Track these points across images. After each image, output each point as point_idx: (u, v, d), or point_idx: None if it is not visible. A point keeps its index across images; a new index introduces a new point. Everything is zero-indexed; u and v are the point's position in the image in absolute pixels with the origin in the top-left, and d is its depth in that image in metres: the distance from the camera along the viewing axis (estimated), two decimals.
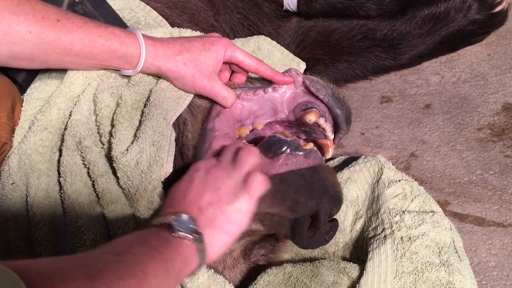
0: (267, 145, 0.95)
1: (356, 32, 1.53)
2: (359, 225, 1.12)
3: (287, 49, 1.29)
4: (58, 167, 0.94)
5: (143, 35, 0.95)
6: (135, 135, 0.91)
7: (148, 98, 0.96)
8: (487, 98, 1.44)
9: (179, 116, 0.97)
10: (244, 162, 0.84)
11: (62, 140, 0.96)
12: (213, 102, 1.01)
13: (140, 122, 0.92)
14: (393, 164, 1.18)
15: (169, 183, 0.87)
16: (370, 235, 1.07)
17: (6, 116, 0.98)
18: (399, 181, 1.13)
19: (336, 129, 1.02)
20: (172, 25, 1.22)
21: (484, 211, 1.22)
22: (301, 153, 0.94)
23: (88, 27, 0.90)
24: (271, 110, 1.05)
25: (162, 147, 0.88)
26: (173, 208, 0.79)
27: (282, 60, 1.24)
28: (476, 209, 1.23)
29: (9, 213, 0.93)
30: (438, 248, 1.02)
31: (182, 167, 0.95)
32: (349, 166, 1.20)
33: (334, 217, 0.96)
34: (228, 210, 0.79)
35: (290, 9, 1.55)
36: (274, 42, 1.26)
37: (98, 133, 0.94)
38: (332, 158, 1.32)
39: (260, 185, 0.82)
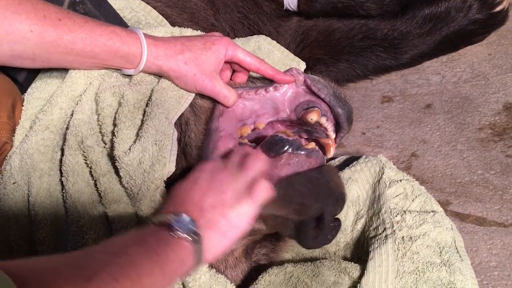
0: (269, 145, 0.95)
1: (356, 31, 1.53)
2: (360, 225, 1.12)
3: (287, 48, 1.29)
4: (60, 166, 0.94)
5: (144, 34, 0.95)
6: (137, 134, 0.91)
7: (150, 97, 0.96)
8: (488, 98, 1.44)
9: (181, 116, 0.97)
10: (250, 168, 0.83)
11: (64, 140, 0.95)
12: (215, 101, 1.01)
13: (142, 122, 0.92)
14: (394, 164, 1.19)
15: (172, 183, 0.87)
16: (371, 235, 1.07)
17: (6, 115, 0.98)
18: (400, 181, 1.13)
19: (337, 128, 1.02)
20: (172, 24, 1.22)
21: (485, 211, 1.22)
22: (303, 152, 0.94)
23: (90, 26, 0.90)
24: (273, 110, 1.05)
25: (165, 147, 0.88)
26: (174, 207, 0.78)
27: (282, 60, 1.24)
28: (477, 209, 1.23)
29: (10, 212, 0.93)
30: (439, 248, 1.02)
31: (185, 167, 0.95)
32: (350, 165, 1.20)
33: (337, 217, 0.95)
34: (230, 214, 0.79)
35: (290, 9, 1.55)
36: (275, 42, 1.26)
37: (100, 132, 0.94)
38: (333, 158, 1.32)
39: (265, 192, 0.82)
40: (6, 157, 0.97)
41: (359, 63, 1.54)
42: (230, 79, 1.08)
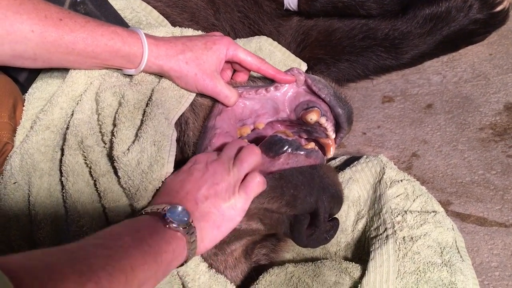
0: (269, 145, 0.95)
1: (357, 31, 1.53)
2: (361, 225, 1.12)
3: (288, 48, 1.29)
4: (60, 166, 0.94)
5: (145, 34, 0.95)
6: (136, 135, 0.91)
7: (150, 97, 0.95)
8: (489, 98, 1.44)
9: (181, 115, 0.97)
10: (245, 161, 0.84)
11: (64, 140, 0.95)
12: (215, 100, 1.01)
13: (142, 122, 0.92)
14: (395, 164, 1.19)
15: None
16: (372, 235, 1.07)
17: (7, 115, 0.98)
18: (401, 181, 1.13)
19: (337, 128, 1.02)
20: (173, 24, 1.22)
21: (486, 211, 1.22)
22: (302, 152, 0.94)
23: (91, 26, 0.90)
24: (273, 109, 1.05)
25: (163, 147, 0.88)
26: (169, 197, 0.79)
27: (284, 61, 1.24)
28: (478, 209, 1.23)
29: (11, 212, 0.93)
30: (440, 248, 1.02)
31: (183, 165, 0.95)
32: (351, 165, 1.20)
33: (335, 216, 0.95)
34: (223, 206, 0.80)
35: (290, 8, 1.55)
36: (276, 43, 1.26)
37: (100, 132, 0.94)
38: (333, 158, 1.32)
39: (258, 186, 0.84)
40: (7, 157, 0.97)
41: (360, 63, 1.54)
42: (231, 79, 1.08)
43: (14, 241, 0.93)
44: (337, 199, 0.92)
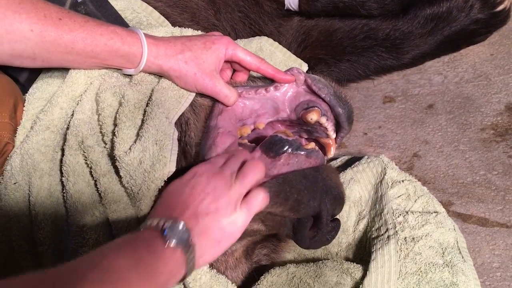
0: (269, 145, 0.95)
1: (358, 31, 1.53)
2: (362, 225, 1.11)
3: (288, 48, 1.29)
4: (61, 166, 0.94)
5: (144, 34, 0.95)
6: (137, 134, 0.91)
7: (150, 97, 0.95)
8: (490, 98, 1.44)
9: (181, 115, 0.97)
10: (247, 177, 0.83)
11: (65, 140, 0.95)
12: (215, 100, 1.01)
13: (143, 121, 0.92)
14: (396, 164, 1.18)
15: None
16: (373, 236, 1.06)
17: (8, 116, 0.98)
18: (403, 181, 1.12)
19: (338, 128, 1.02)
20: (173, 24, 1.22)
21: (488, 212, 1.21)
22: (302, 152, 0.94)
23: (90, 26, 0.89)
24: (273, 109, 1.05)
25: (165, 146, 0.88)
26: (168, 210, 0.77)
27: (284, 61, 1.24)
28: (479, 210, 1.22)
29: (11, 212, 0.93)
30: (442, 248, 1.02)
31: (185, 166, 0.95)
32: (352, 166, 1.20)
33: (337, 217, 0.95)
34: (224, 222, 0.79)
35: (291, 8, 1.55)
36: (276, 43, 1.26)
37: (101, 132, 0.94)
38: (335, 158, 1.32)
39: (261, 202, 0.83)
40: (7, 157, 0.97)
41: (361, 63, 1.54)
42: (231, 79, 1.08)
43: (15, 241, 0.93)
44: (339, 200, 0.92)
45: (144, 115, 0.93)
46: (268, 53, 1.24)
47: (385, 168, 1.15)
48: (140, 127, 0.91)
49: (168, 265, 0.71)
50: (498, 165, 1.29)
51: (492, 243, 1.16)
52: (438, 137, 1.40)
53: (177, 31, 1.13)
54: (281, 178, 0.89)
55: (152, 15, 1.21)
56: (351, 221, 1.13)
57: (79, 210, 0.90)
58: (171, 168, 0.87)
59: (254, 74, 1.08)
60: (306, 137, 1.07)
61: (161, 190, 0.87)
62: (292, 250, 1.15)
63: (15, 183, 0.94)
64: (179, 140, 0.95)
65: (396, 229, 1.04)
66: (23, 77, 1.05)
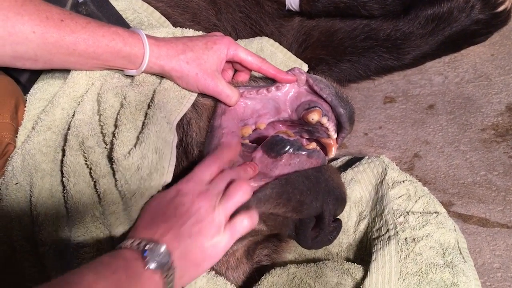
0: (270, 145, 0.95)
1: (359, 32, 1.53)
2: (362, 226, 1.11)
3: (289, 48, 1.29)
4: (61, 167, 0.94)
5: (146, 35, 0.95)
6: (137, 138, 0.90)
7: (152, 99, 0.95)
8: (491, 99, 1.44)
9: (183, 116, 0.97)
10: (232, 198, 0.82)
11: (65, 140, 0.95)
12: (217, 100, 1.01)
13: (144, 124, 0.92)
14: (396, 165, 1.18)
15: (172, 182, 0.87)
16: (374, 236, 1.06)
17: (9, 116, 0.98)
18: (403, 181, 1.13)
19: (339, 128, 1.02)
20: (174, 24, 1.22)
21: (488, 212, 1.21)
22: (304, 152, 0.94)
23: (92, 27, 0.89)
24: (274, 109, 1.05)
25: (165, 156, 0.87)
26: (151, 230, 0.77)
27: (285, 62, 1.24)
28: (480, 210, 1.22)
29: (13, 213, 0.93)
30: (443, 249, 1.02)
31: (186, 166, 0.95)
32: (353, 166, 1.20)
33: (338, 217, 0.95)
34: (206, 244, 0.78)
35: (292, 9, 1.55)
36: (277, 44, 1.26)
37: (102, 133, 0.94)
38: (335, 159, 1.32)
39: (245, 228, 0.82)
40: (9, 158, 0.98)
41: (362, 63, 1.54)
42: (232, 79, 1.08)
43: (17, 241, 0.93)
44: (341, 201, 0.92)
45: (145, 117, 0.93)
46: (269, 53, 1.24)
47: (385, 169, 1.15)
48: (141, 131, 0.91)
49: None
50: (499, 166, 1.29)
51: (493, 243, 1.16)
52: (439, 138, 1.40)
53: (178, 31, 1.13)
54: (284, 179, 0.89)
55: (153, 15, 1.21)
56: (351, 221, 1.13)
57: (80, 210, 0.90)
58: (168, 178, 0.87)
59: (256, 74, 1.08)
60: (307, 137, 1.07)
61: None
62: (292, 251, 1.15)
63: (16, 184, 0.94)
64: (181, 140, 0.95)
65: (397, 229, 1.04)
66: (24, 77, 1.05)
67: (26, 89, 1.05)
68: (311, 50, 1.55)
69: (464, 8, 1.47)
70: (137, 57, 0.94)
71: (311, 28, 1.56)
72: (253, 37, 1.30)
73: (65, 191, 0.92)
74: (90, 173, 0.91)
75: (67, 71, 0.99)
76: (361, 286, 0.97)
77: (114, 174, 0.89)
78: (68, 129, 0.96)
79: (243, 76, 1.07)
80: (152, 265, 0.72)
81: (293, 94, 1.03)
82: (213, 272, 0.96)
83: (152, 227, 0.77)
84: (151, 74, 1.00)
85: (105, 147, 0.93)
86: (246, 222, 0.82)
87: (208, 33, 1.09)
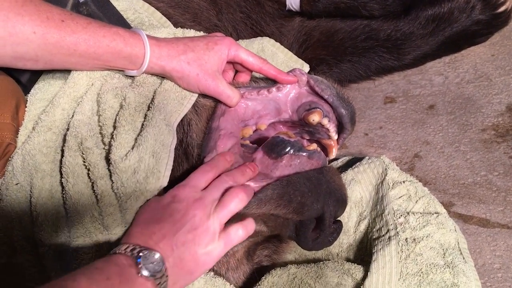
0: (271, 146, 0.95)
1: (359, 32, 1.53)
2: (363, 226, 1.11)
3: (290, 49, 1.29)
4: (61, 167, 0.94)
5: (147, 35, 0.95)
6: (135, 140, 0.90)
7: (152, 100, 0.95)
8: (491, 99, 1.44)
9: (184, 117, 0.97)
10: (227, 207, 0.82)
11: (65, 141, 0.95)
12: (217, 101, 1.01)
13: (143, 126, 0.91)
14: (397, 165, 1.18)
15: (172, 183, 0.87)
16: (374, 237, 1.06)
17: (10, 116, 0.98)
18: (404, 182, 1.13)
19: (340, 129, 1.02)
20: (175, 25, 1.21)
21: (489, 213, 1.21)
22: (304, 153, 0.94)
23: (93, 27, 0.89)
24: (275, 110, 1.05)
25: (162, 160, 0.87)
26: (145, 236, 0.77)
27: (286, 62, 1.24)
28: (480, 211, 1.22)
29: (13, 213, 0.93)
30: (443, 249, 1.02)
31: (186, 167, 0.95)
32: (353, 167, 1.20)
33: (338, 218, 0.95)
34: (199, 252, 0.78)
35: (293, 9, 1.55)
36: (278, 44, 1.26)
37: (101, 133, 0.94)
38: (336, 159, 1.32)
39: (239, 238, 0.83)
40: (9, 158, 0.97)
41: (362, 63, 1.54)
42: (233, 79, 1.08)
43: (17, 241, 0.93)
44: (342, 202, 0.92)
45: (144, 119, 0.92)
46: (269, 53, 1.24)
47: (386, 169, 1.15)
48: (139, 133, 0.90)
49: None
50: (499, 166, 1.29)
51: (493, 244, 1.16)
52: (439, 138, 1.40)
53: (179, 32, 1.13)
54: (285, 180, 0.89)
55: (154, 15, 1.20)
56: (352, 222, 1.13)
57: (78, 211, 0.89)
58: (164, 183, 0.87)
59: (257, 75, 1.08)
60: (308, 138, 1.07)
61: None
62: (293, 251, 1.15)
63: (17, 184, 0.94)
64: (181, 141, 0.95)
65: (397, 230, 1.04)
66: (25, 77, 1.05)
67: (27, 89, 1.05)
68: (311, 50, 1.55)
69: (465, 9, 1.47)
70: (138, 58, 0.94)
71: (312, 28, 1.56)
72: (254, 37, 1.30)
73: (64, 192, 0.92)
74: (88, 174, 0.91)
75: (67, 71, 0.99)
76: (362, 287, 0.97)
77: (111, 176, 0.89)
78: (67, 129, 0.96)
79: (244, 77, 1.07)
80: (145, 272, 0.72)
81: (294, 95, 1.03)
82: (212, 273, 0.95)
83: (146, 232, 0.77)
84: (152, 74, 1.00)
85: (104, 148, 0.93)
86: (241, 232, 0.83)
87: (209, 34, 1.09)
